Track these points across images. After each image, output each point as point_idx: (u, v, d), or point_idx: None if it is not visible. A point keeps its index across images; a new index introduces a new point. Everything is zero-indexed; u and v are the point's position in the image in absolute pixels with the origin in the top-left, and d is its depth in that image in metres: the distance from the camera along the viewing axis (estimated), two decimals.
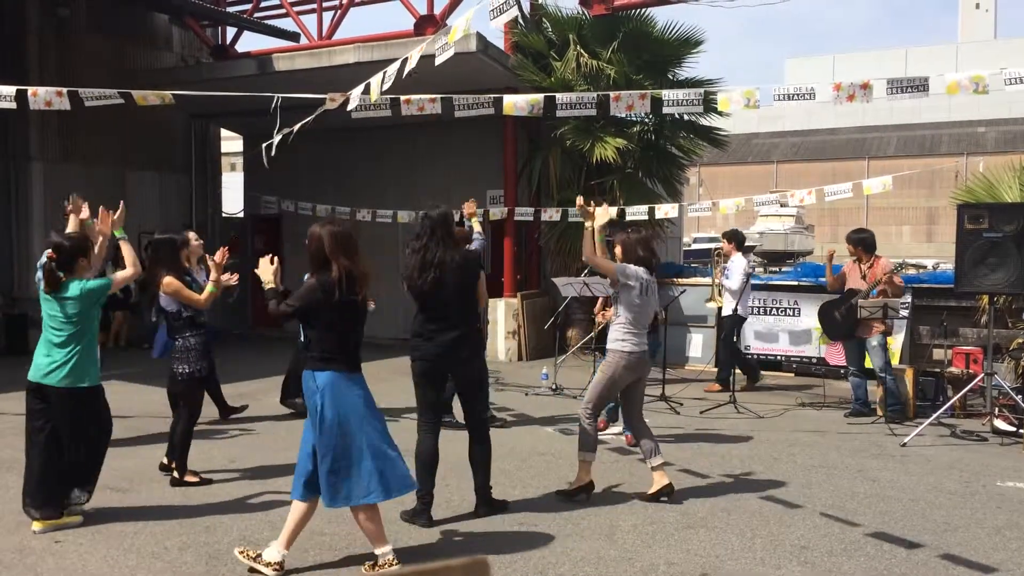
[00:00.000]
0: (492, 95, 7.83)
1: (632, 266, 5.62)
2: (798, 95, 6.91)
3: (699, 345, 11.62)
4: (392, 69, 7.25)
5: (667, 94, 7.83)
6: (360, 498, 4.25)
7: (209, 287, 5.76)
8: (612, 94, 7.73)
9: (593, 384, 5.80)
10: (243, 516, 5.17)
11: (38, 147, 13.49)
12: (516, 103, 7.65)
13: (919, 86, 6.49)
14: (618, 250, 5.81)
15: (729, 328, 9.68)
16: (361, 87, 7.45)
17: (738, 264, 9.55)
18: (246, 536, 4.84)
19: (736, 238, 9.78)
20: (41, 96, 7.68)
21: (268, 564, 4.29)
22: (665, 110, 8.39)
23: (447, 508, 5.36)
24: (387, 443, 4.36)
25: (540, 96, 7.76)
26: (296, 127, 7.90)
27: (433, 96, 7.67)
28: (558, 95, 7.88)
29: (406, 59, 7.11)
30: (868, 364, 8.41)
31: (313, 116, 7.87)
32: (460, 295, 5.12)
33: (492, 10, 5.95)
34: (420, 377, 5.18)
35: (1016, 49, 47.89)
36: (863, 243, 8.40)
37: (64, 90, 7.70)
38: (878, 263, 8.30)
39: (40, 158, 13.53)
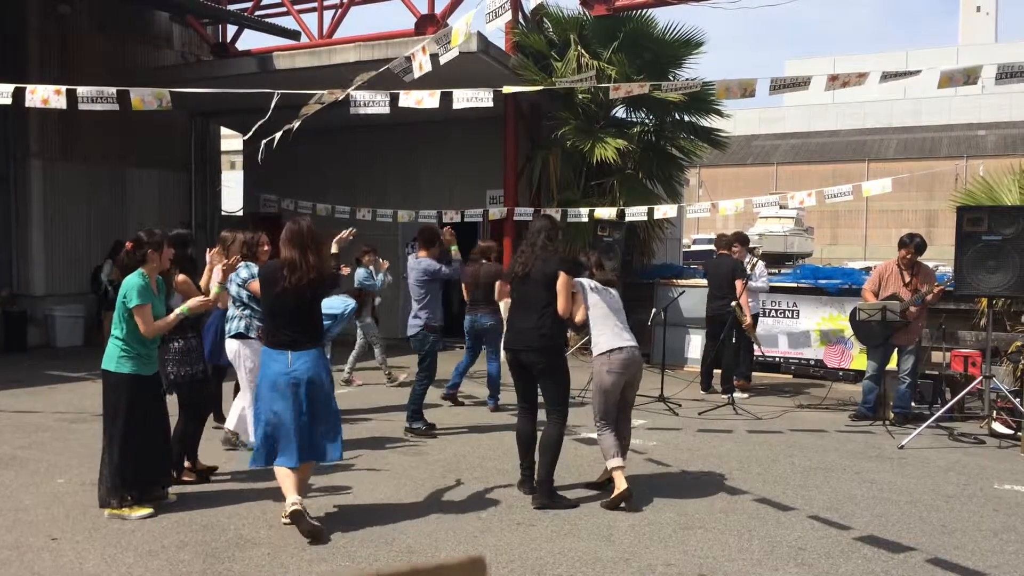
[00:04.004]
0: (491, 88, 7.86)
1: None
2: (794, 84, 7.25)
3: (698, 346, 11.58)
4: (396, 65, 7.30)
5: (666, 84, 7.94)
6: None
7: (215, 288, 5.72)
8: (611, 86, 7.81)
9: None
10: (240, 515, 5.17)
11: (38, 144, 13.49)
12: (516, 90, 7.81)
13: (911, 74, 6.71)
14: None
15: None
16: (361, 80, 7.50)
17: None
18: (243, 534, 4.83)
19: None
20: (39, 94, 7.67)
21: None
22: (662, 94, 8.54)
23: (447, 507, 5.36)
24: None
25: (539, 88, 7.88)
26: (295, 123, 7.91)
27: (433, 90, 7.71)
28: (559, 81, 8.00)
29: (409, 58, 7.13)
30: (891, 364, 8.33)
31: (311, 112, 7.87)
32: (536, 290, 5.51)
33: (488, 13, 6.08)
34: (508, 366, 5.70)
35: (1017, 52, 47.94)
36: (919, 248, 8.15)
37: (63, 88, 7.69)
38: (922, 270, 8.16)
39: (40, 155, 13.52)
